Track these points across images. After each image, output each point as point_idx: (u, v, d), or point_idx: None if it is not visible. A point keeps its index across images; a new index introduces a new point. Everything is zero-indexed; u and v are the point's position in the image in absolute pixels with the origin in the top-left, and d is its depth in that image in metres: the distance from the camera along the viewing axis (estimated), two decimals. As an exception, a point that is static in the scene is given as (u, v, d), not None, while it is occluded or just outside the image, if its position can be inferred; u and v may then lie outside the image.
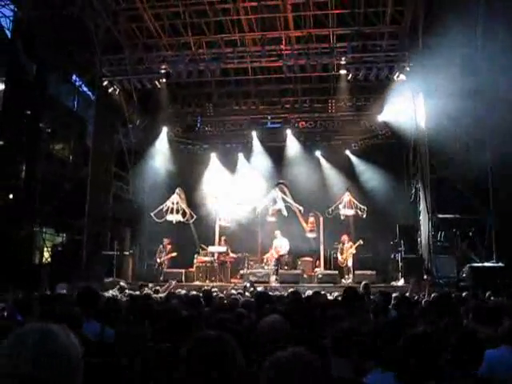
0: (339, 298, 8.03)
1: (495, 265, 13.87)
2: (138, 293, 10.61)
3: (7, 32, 17.93)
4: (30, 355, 1.46)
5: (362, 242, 17.33)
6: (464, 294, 9.09)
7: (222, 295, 8.83)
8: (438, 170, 15.67)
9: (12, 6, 18.04)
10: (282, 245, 17.71)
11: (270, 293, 10.27)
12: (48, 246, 18.87)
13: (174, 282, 15.04)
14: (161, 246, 18.32)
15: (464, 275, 14.00)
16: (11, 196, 17.32)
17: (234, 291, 9.97)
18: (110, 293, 10.83)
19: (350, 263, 17.38)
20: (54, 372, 1.47)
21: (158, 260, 18.07)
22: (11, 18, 18.08)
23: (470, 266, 13.92)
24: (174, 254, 18.23)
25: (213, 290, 10.34)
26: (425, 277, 14.92)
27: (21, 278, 13.85)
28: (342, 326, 3.36)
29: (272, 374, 1.75)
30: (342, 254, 17.59)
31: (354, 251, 17.39)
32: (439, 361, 2.81)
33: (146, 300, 6.43)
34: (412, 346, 2.87)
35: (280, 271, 17.17)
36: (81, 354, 1.56)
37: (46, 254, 18.69)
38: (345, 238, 17.80)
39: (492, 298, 8.91)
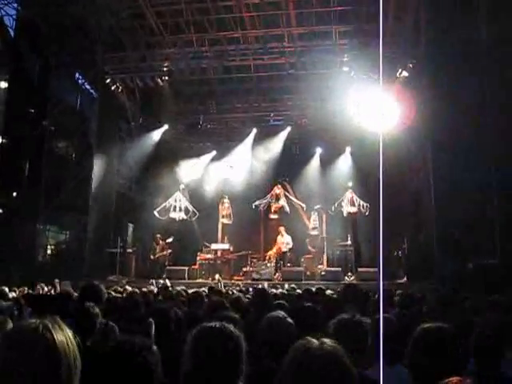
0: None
1: (499, 262, 13.82)
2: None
3: (10, 30, 17.96)
4: (25, 351, 1.48)
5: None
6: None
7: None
8: (441, 167, 15.62)
9: (15, 5, 18.08)
10: (285, 241, 17.71)
11: (274, 290, 10.30)
12: (51, 243, 18.95)
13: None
14: (154, 243, 18.26)
15: (468, 273, 13.96)
16: (15, 194, 17.37)
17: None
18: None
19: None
20: (49, 367, 1.48)
21: (152, 257, 18.04)
22: (14, 17, 18.12)
23: (475, 263, 13.88)
24: (169, 252, 18.07)
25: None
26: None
27: (25, 276, 13.90)
28: (343, 317, 3.36)
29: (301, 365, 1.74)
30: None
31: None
32: (456, 356, 2.79)
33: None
34: (427, 340, 2.86)
35: (283, 268, 17.18)
36: (77, 349, 1.57)
37: (50, 252, 18.76)
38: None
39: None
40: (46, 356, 1.49)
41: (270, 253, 18.36)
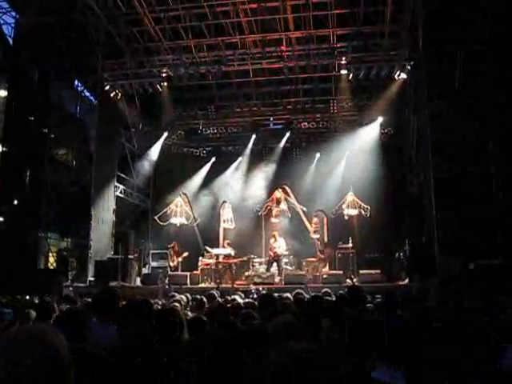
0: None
1: (502, 262, 13.76)
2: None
3: (9, 39, 18.00)
4: (18, 356, 1.48)
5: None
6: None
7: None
8: (441, 168, 15.61)
9: (14, 13, 18.12)
10: (279, 245, 17.53)
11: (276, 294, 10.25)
12: (53, 250, 18.95)
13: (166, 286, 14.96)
14: (170, 251, 18.35)
15: (471, 273, 13.90)
16: (16, 202, 17.38)
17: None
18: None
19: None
20: (41, 372, 1.49)
21: (172, 264, 18.10)
22: (13, 25, 18.16)
23: (477, 263, 13.81)
24: (186, 254, 18.21)
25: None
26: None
27: (27, 283, 13.89)
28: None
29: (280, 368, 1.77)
30: None
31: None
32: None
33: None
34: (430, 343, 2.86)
35: (286, 272, 17.16)
36: (69, 354, 1.58)
37: (51, 259, 18.76)
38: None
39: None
40: (44, 359, 1.50)
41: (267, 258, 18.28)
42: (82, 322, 3.93)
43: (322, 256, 17.84)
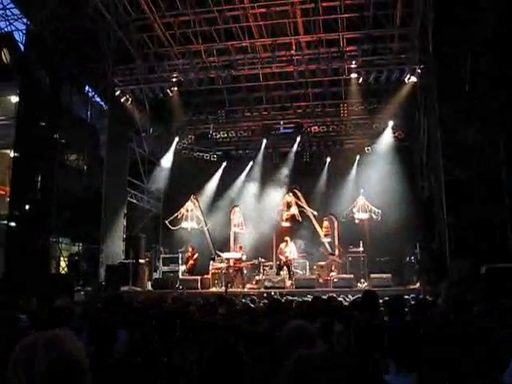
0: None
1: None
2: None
3: (20, 45, 18.18)
4: (38, 361, 1.51)
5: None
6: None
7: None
8: (452, 171, 15.52)
9: (25, 20, 18.31)
10: (290, 250, 17.56)
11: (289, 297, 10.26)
12: (64, 255, 19.04)
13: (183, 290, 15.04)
14: (188, 254, 18.53)
15: (481, 276, 13.80)
16: (27, 207, 17.49)
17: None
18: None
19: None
20: (60, 376, 1.51)
21: (185, 267, 18.31)
22: (24, 32, 18.34)
23: (487, 266, 13.71)
24: (195, 256, 18.45)
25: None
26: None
27: (38, 288, 13.95)
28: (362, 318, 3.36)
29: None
30: None
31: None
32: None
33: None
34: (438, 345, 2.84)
35: (296, 276, 17.15)
36: (86, 358, 1.60)
37: (63, 264, 18.85)
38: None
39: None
40: (59, 363, 1.52)
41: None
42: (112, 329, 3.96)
43: (339, 259, 17.79)
